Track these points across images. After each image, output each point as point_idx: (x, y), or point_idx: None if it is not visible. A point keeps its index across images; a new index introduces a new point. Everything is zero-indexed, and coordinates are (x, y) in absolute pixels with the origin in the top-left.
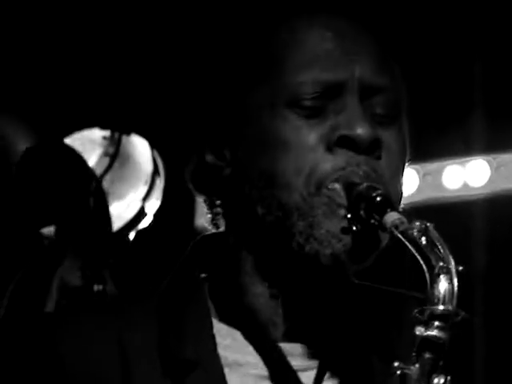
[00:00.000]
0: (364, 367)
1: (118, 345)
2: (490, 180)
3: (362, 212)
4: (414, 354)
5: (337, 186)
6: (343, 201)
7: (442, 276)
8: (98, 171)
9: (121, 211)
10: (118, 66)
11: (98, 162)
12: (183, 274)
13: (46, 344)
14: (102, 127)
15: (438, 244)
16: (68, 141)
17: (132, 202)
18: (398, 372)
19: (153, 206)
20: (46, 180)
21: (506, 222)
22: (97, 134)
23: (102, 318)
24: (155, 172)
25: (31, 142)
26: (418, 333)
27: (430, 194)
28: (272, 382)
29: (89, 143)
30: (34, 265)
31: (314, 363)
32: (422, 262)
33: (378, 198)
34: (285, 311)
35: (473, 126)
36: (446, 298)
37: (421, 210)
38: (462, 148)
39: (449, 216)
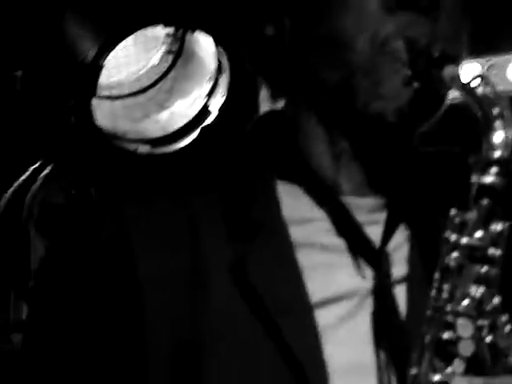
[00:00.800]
0: (429, 221)
1: (185, 209)
2: None
3: (421, 68)
4: (471, 201)
5: (399, 44)
6: (405, 58)
7: (497, 123)
8: (162, 69)
9: (185, 109)
10: None
11: (162, 60)
12: (245, 146)
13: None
14: (166, 24)
15: (494, 94)
16: (131, 39)
17: (196, 100)
18: (457, 219)
19: (217, 102)
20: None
21: None
22: (160, 32)
23: (168, 183)
24: (219, 69)
25: (96, 42)
26: (474, 180)
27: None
28: (339, 234)
29: (152, 41)
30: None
31: (381, 216)
32: (478, 110)
33: (437, 54)
34: (349, 169)
35: None
36: (502, 145)
37: None
38: None
39: None
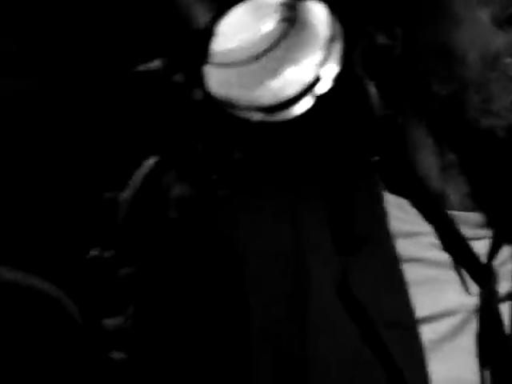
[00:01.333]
0: None
1: (291, 224)
2: None
3: None
4: None
5: (510, 61)
6: None
7: None
8: (275, 36)
9: (297, 76)
10: None
11: (275, 28)
12: (351, 155)
13: (224, 222)
14: None
15: None
16: (243, 6)
17: (308, 68)
18: None
19: (330, 70)
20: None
21: None
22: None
23: (276, 195)
24: (332, 37)
25: (209, 8)
26: None
27: None
28: (445, 249)
29: (265, 8)
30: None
31: (487, 232)
32: None
33: None
34: (456, 182)
35: None
36: None
37: None
38: None
39: None
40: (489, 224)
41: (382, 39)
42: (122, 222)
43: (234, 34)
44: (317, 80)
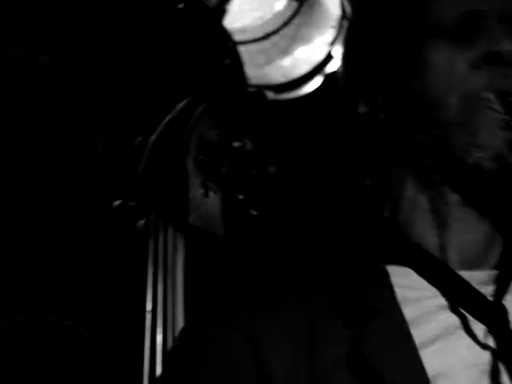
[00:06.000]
0: None
1: (301, 308)
2: None
3: None
4: None
5: (490, 95)
6: (499, 106)
7: None
8: (286, 15)
9: (308, 55)
10: None
11: (286, 6)
12: (350, 231)
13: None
14: None
15: None
16: None
17: (319, 46)
18: None
19: (340, 49)
20: (182, 38)
21: None
22: None
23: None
24: (343, 16)
25: None
26: None
27: None
28: (452, 310)
29: None
30: (174, 121)
31: (491, 289)
32: None
33: None
34: (455, 236)
35: None
36: None
37: None
38: None
39: None
40: (492, 282)
41: (362, 108)
42: (144, 171)
43: (245, 11)
44: (328, 59)
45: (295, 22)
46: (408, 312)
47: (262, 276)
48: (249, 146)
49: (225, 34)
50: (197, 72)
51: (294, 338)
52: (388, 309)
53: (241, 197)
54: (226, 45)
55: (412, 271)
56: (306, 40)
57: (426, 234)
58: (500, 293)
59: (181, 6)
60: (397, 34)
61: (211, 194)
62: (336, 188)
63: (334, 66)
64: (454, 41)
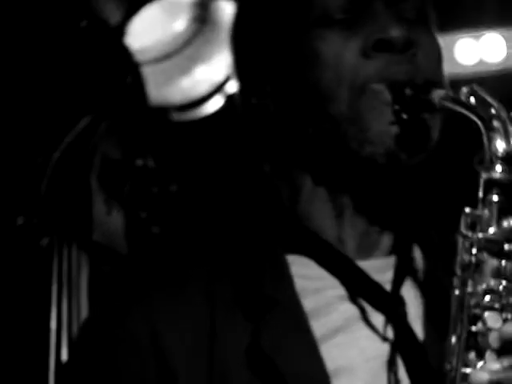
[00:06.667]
0: (437, 268)
1: (205, 298)
2: (507, 55)
3: (407, 95)
4: (480, 199)
5: (380, 86)
6: (389, 98)
7: (496, 122)
8: (187, 35)
9: (208, 75)
10: None
11: (187, 26)
12: (249, 222)
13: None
14: None
15: (486, 99)
16: (156, 4)
17: (219, 67)
18: (469, 218)
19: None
20: (84, 57)
21: None
22: None
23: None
24: None
25: (121, 7)
26: (482, 177)
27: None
28: (352, 300)
29: (177, 7)
30: (77, 139)
31: (390, 275)
32: (475, 118)
33: (422, 81)
34: (352, 226)
35: None
36: (505, 142)
37: None
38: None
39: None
40: (390, 268)
41: (254, 100)
42: (46, 189)
43: (146, 32)
44: (227, 79)
45: (196, 42)
46: (308, 303)
47: (165, 267)
48: (151, 164)
49: (126, 54)
50: (99, 90)
51: (196, 326)
52: (287, 300)
53: (143, 215)
54: (128, 64)
55: (312, 261)
56: (206, 60)
57: (324, 224)
58: (397, 282)
59: (83, 23)
60: (284, 26)
61: (114, 212)
62: (236, 179)
63: (234, 86)
64: (340, 30)
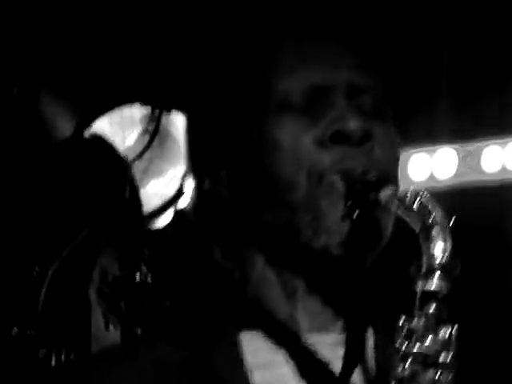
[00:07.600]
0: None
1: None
2: (458, 170)
3: (359, 194)
4: (417, 308)
5: (335, 177)
6: (342, 191)
7: (435, 230)
8: (138, 149)
9: (160, 189)
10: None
11: (138, 140)
12: (202, 302)
13: None
14: (143, 104)
15: (429, 206)
16: (107, 118)
17: (171, 180)
18: (405, 328)
19: (192, 184)
20: (82, 173)
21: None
22: (136, 111)
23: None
24: None
25: (73, 120)
26: (418, 287)
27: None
28: (301, 377)
29: (128, 120)
30: (75, 252)
31: (342, 350)
32: (414, 226)
33: (374, 179)
34: (304, 307)
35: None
36: (442, 252)
37: None
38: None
39: None
40: (340, 343)
41: (207, 185)
42: (44, 300)
43: None
44: (179, 193)
45: (147, 155)
46: (257, 378)
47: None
48: (149, 279)
49: (123, 166)
50: (98, 203)
51: None
52: (236, 377)
53: (138, 330)
54: (125, 177)
55: (263, 335)
56: (157, 174)
57: (276, 303)
58: (347, 369)
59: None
60: (242, 110)
61: (111, 327)
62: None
63: (185, 200)
64: (299, 117)
